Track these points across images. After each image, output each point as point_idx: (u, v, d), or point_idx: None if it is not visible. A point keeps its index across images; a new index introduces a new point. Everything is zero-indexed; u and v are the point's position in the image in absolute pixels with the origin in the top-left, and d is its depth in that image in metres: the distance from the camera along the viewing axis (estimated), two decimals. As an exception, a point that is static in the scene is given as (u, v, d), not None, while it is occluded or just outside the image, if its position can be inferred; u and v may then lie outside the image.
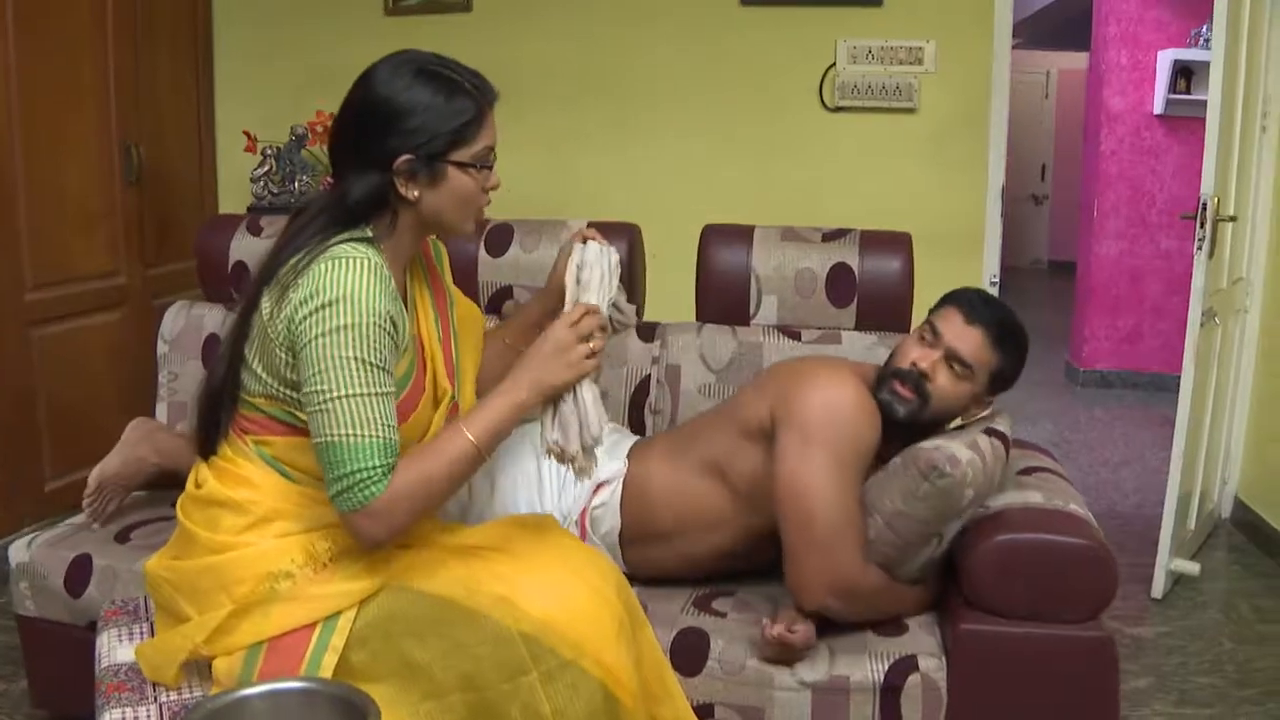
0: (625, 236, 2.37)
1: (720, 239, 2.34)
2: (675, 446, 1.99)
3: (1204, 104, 5.15)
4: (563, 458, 1.54)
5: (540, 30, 3.73)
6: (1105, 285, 5.64)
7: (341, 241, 1.46)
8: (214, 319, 2.48)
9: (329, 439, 1.38)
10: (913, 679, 1.73)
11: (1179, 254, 5.51)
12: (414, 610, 1.47)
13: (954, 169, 3.62)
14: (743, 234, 2.33)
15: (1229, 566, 3.34)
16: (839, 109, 3.65)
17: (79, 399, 3.13)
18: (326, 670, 1.42)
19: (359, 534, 1.42)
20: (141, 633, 1.66)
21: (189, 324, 2.50)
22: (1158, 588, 3.03)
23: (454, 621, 1.46)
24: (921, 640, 1.80)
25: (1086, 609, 1.75)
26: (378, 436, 1.39)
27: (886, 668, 1.74)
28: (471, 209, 1.55)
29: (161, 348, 2.51)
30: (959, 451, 1.72)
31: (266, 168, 3.57)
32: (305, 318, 1.40)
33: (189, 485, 1.59)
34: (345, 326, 1.38)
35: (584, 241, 1.68)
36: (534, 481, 1.94)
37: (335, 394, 1.38)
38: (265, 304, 1.47)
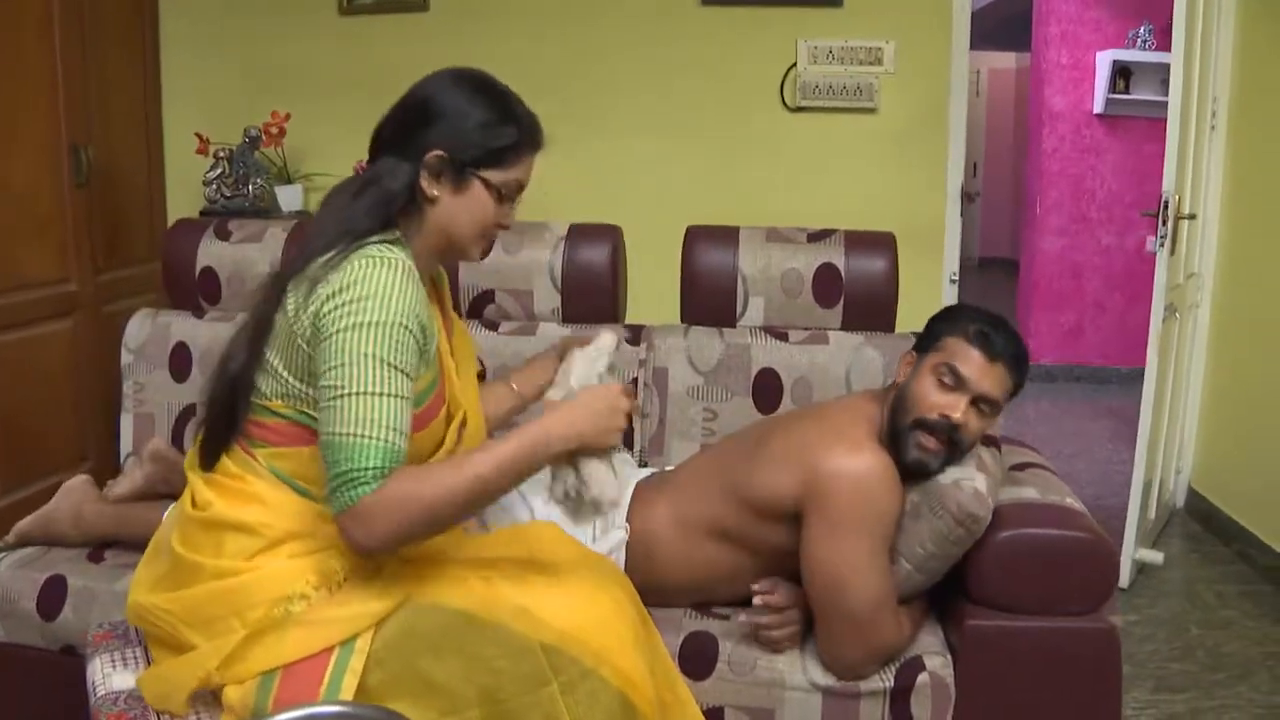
0: (608, 238, 2.35)
1: (705, 240, 2.32)
2: (680, 507, 1.88)
3: (1142, 103, 5.36)
4: (576, 504, 1.53)
5: (499, 30, 3.68)
6: (1048, 281, 5.76)
7: (375, 242, 1.43)
8: (182, 326, 2.40)
9: (334, 435, 1.33)
10: (922, 678, 1.74)
11: (1119, 250, 5.65)
12: (431, 626, 1.43)
13: (914, 168, 3.66)
14: (728, 235, 2.32)
15: (1187, 554, 3.43)
16: (800, 109, 3.67)
17: (29, 411, 3.00)
18: (346, 694, 1.37)
19: (345, 536, 1.35)
20: (136, 658, 1.59)
21: (155, 332, 2.41)
22: (1124, 577, 3.10)
23: (472, 636, 1.42)
24: (924, 640, 1.81)
25: (1090, 601, 1.77)
26: (382, 439, 1.33)
27: (895, 671, 1.75)
28: (481, 232, 1.53)
29: (126, 357, 2.41)
30: (979, 483, 1.72)
31: (219, 170, 3.48)
32: (333, 309, 1.36)
33: (185, 506, 1.51)
34: (372, 324, 1.35)
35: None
36: None
37: (349, 390, 1.33)
38: (291, 300, 1.43)
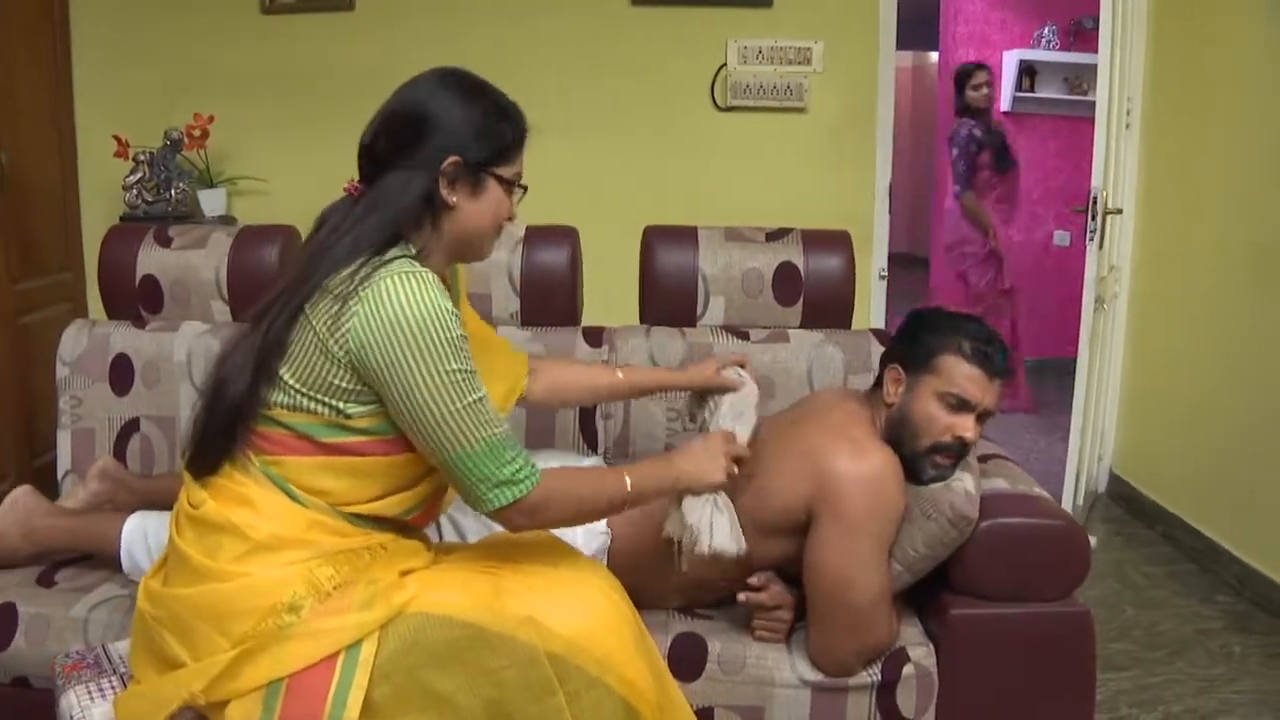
0: (566, 240, 2.33)
1: (664, 241, 2.32)
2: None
3: (1047, 101, 5.54)
4: (681, 547, 1.63)
5: (426, 29, 3.62)
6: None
7: (397, 257, 1.41)
8: (122, 337, 2.29)
9: (463, 450, 1.39)
10: (907, 670, 1.77)
11: (1027, 245, 5.83)
12: (437, 637, 1.40)
13: (843, 166, 3.73)
14: (687, 235, 2.32)
15: (1112, 538, 3.55)
16: (730, 109, 3.70)
17: (-56, 430, 2.86)
18: (354, 708, 1.34)
19: (508, 525, 1.47)
20: (112, 686, 1.51)
21: (92, 344, 2.30)
22: (1059, 561, 3.19)
23: (479, 646, 1.40)
24: (906, 632, 1.84)
25: (1065, 585, 1.83)
26: (501, 432, 1.42)
27: (881, 664, 1.77)
28: (496, 230, 1.54)
29: (61, 371, 2.30)
30: (968, 484, 1.77)
31: (140, 175, 3.35)
32: (388, 335, 1.36)
33: (182, 502, 1.49)
34: (438, 342, 1.37)
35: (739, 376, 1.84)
36: None
37: (454, 406, 1.38)
38: (314, 316, 1.40)
